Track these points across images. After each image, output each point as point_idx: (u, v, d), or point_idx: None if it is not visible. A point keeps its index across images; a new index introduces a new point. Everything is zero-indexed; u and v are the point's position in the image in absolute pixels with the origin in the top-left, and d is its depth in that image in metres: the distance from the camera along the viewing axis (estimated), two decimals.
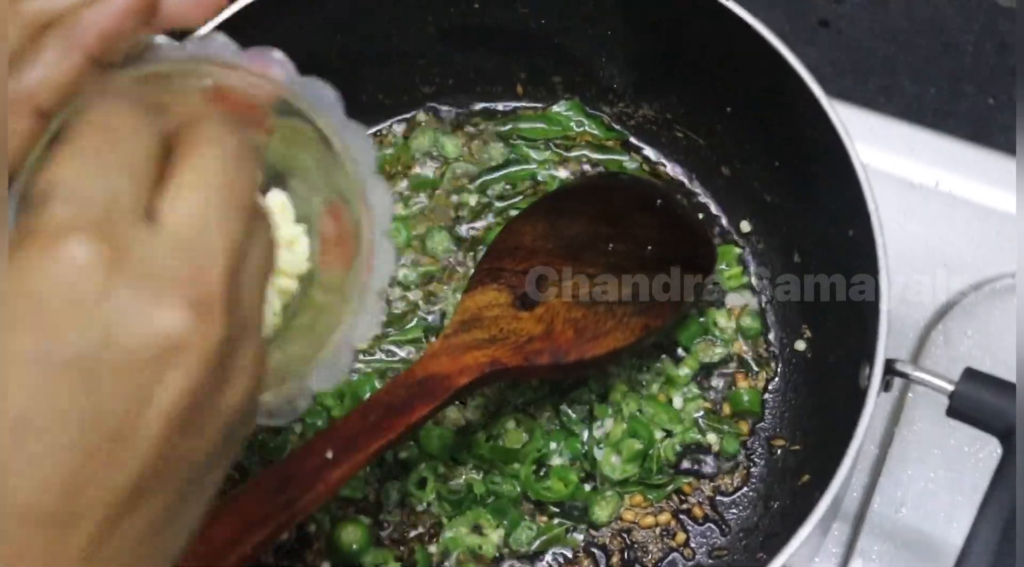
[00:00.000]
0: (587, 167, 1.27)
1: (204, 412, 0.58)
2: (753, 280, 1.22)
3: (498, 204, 1.26)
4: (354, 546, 1.12)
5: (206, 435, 0.59)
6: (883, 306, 1.00)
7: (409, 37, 1.25)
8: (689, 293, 1.15)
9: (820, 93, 1.07)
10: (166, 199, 0.58)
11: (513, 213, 1.24)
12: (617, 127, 1.29)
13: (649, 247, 1.15)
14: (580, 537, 1.14)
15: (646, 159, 1.28)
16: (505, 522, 1.13)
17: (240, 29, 1.11)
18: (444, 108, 1.30)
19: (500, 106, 1.30)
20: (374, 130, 1.30)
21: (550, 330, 1.08)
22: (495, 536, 1.13)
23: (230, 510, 0.92)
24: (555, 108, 1.29)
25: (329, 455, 0.96)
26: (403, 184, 1.27)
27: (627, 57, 1.24)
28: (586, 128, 1.29)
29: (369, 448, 0.98)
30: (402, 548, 1.13)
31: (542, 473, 1.14)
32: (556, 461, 1.15)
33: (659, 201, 1.20)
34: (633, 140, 1.29)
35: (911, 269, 1.24)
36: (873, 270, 1.01)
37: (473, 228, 1.25)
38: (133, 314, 0.54)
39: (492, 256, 1.13)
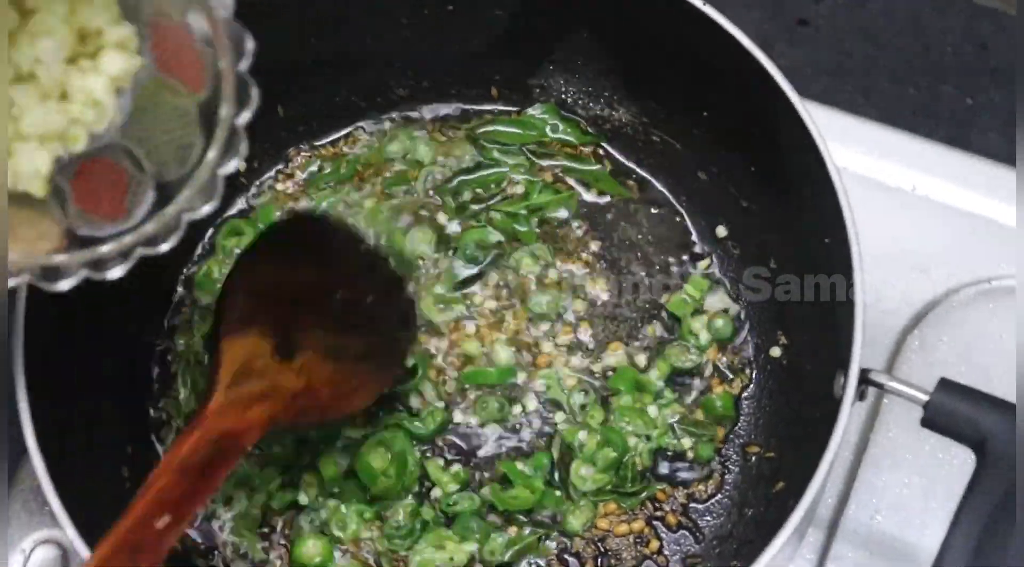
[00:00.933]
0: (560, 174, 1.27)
1: None
2: (728, 286, 1.22)
3: (473, 207, 1.25)
4: (316, 559, 1.12)
5: None
6: (858, 316, 0.99)
7: (383, 40, 1.24)
8: (404, 352, 1.17)
9: (795, 97, 1.06)
10: None
11: (494, 215, 1.24)
12: (592, 131, 1.28)
13: (367, 298, 1.14)
14: (553, 545, 1.13)
15: (619, 166, 1.27)
16: (475, 536, 1.12)
17: None
18: (415, 114, 1.29)
19: (475, 108, 1.29)
20: (347, 131, 1.29)
21: (311, 386, 1.07)
22: (466, 548, 1.12)
23: None
24: (530, 111, 1.28)
25: (164, 522, 0.93)
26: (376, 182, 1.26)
27: (603, 61, 1.23)
28: (560, 133, 1.28)
29: (194, 510, 0.99)
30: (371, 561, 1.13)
31: (507, 483, 1.15)
32: (521, 468, 1.15)
33: (361, 249, 1.16)
34: (607, 146, 1.28)
35: (887, 274, 1.23)
36: (848, 276, 1.01)
37: (453, 227, 1.24)
38: None
39: (243, 295, 1.08)
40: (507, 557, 1.12)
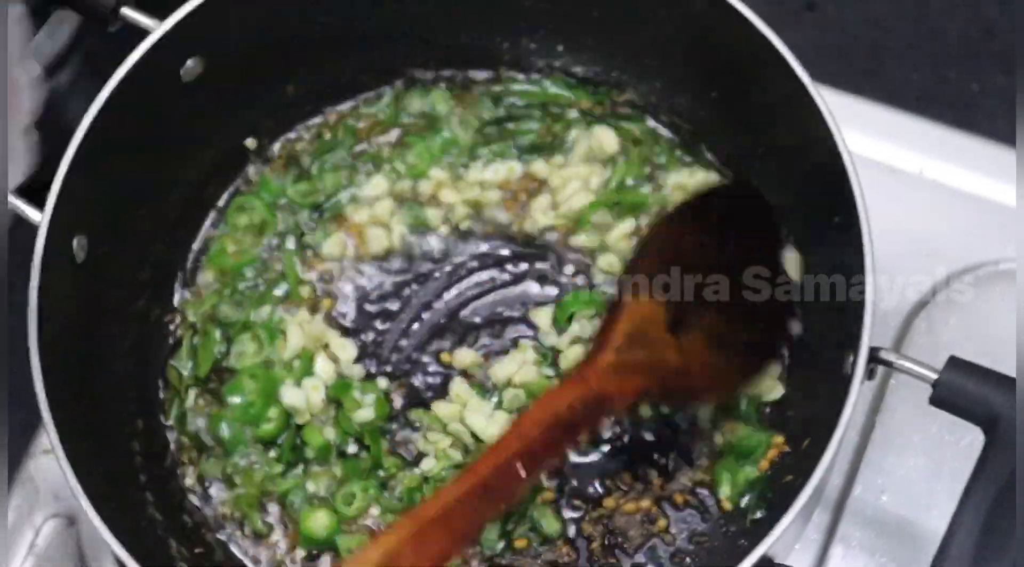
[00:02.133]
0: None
1: None
2: None
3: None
4: (324, 532, 1.12)
5: None
6: (868, 294, 1.00)
7: (393, 16, 1.24)
8: (756, 370, 1.12)
9: (806, 78, 1.06)
10: None
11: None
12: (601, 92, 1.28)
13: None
14: (558, 527, 1.13)
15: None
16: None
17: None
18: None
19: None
20: (354, 104, 1.29)
21: (687, 368, 1.05)
22: None
23: (441, 524, 0.91)
24: (545, 83, 1.28)
25: (521, 472, 0.94)
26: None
27: (612, 40, 1.23)
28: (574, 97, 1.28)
29: (550, 462, 1.00)
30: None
31: None
32: None
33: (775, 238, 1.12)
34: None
35: (894, 256, 1.22)
36: (859, 257, 1.01)
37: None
38: None
39: (653, 259, 1.07)
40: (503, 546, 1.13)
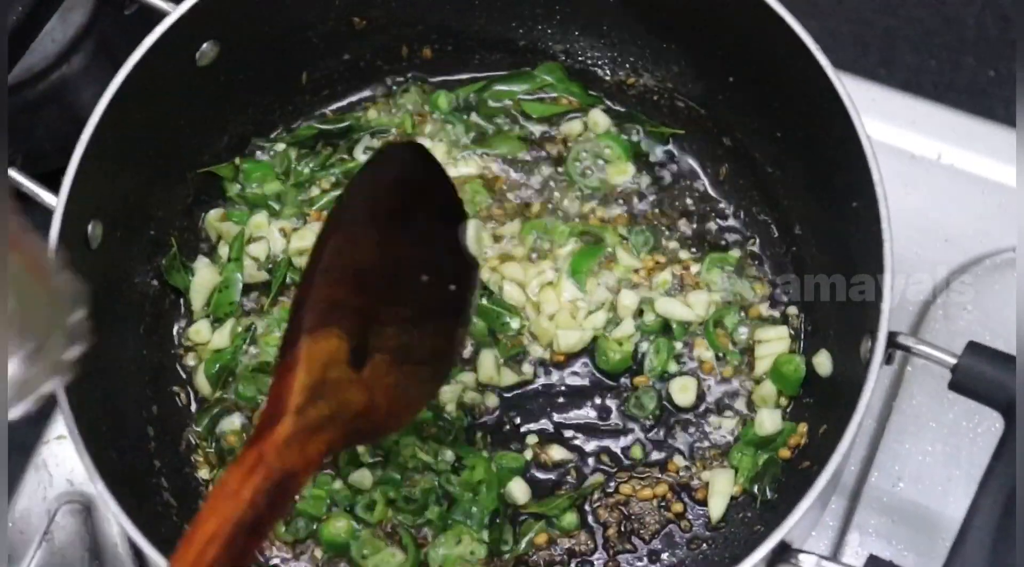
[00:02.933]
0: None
1: None
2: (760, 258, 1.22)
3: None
4: (342, 536, 1.12)
5: None
6: (887, 278, 0.99)
7: (407, 2, 1.24)
8: (455, 351, 1.08)
9: (827, 63, 1.06)
10: None
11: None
12: (594, 93, 1.28)
13: (444, 275, 1.04)
14: (576, 519, 1.13)
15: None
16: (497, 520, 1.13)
17: None
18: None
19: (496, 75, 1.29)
20: (367, 94, 1.29)
21: (372, 401, 0.94)
22: (487, 534, 1.12)
23: None
24: (536, 71, 1.28)
25: None
26: None
27: (629, 26, 1.23)
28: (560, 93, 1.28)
29: (250, 555, 0.84)
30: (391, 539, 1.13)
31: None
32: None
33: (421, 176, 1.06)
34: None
35: (912, 242, 1.23)
36: (877, 241, 1.01)
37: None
38: None
39: (330, 278, 0.95)
40: (523, 545, 1.13)
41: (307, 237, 1.21)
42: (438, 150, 1.25)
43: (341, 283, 0.95)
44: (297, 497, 0.94)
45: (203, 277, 1.21)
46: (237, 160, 1.25)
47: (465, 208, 1.11)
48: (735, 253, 1.21)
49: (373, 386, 0.94)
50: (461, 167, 1.24)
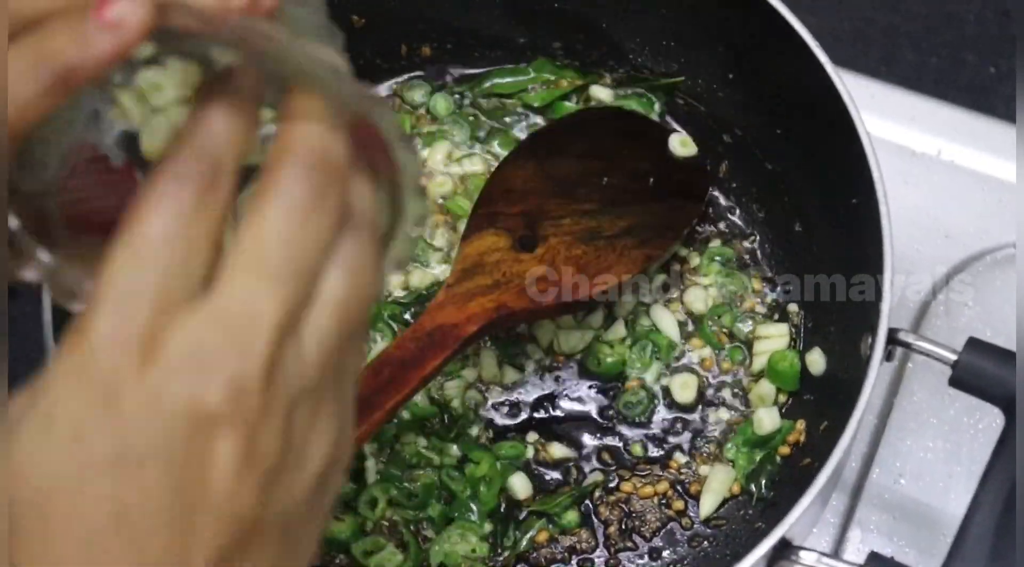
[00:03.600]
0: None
1: (282, 471, 0.58)
2: (759, 254, 1.22)
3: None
4: (343, 535, 1.12)
5: (294, 491, 0.59)
6: (887, 275, 0.99)
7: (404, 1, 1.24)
8: (688, 220, 1.17)
9: (826, 60, 1.06)
10: (222, 272, 0.57)
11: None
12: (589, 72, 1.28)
13: (645, 178, 1.16)
14: (576, 517, 1.13)
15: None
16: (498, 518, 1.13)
17: None
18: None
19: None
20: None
21: (553, 269, 1.09)
22: (488, 531, 1.12)
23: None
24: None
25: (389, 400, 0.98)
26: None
27: (629, 22, 1.23)
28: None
29: (386, 405, 0.99)
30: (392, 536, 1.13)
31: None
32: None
33: (649, 132, 1.21)
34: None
35: (912, 239, 1.23)
36: (877, 239, 1.01)
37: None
38: (167, 397, 0.55)
39: (485, 201, 1.13)
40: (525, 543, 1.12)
41: None
42: (440, 150, 1.25)
43: (498, 200, 1.12)
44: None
45: None
46: None
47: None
48: (734, 248, 1.21)
49: (553, 259, 1.10)
50: (467, 165, 1.24)
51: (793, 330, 1.17)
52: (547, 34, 1.26)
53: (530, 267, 1.09)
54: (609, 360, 1.17)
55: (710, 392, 1.17)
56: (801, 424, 1.13)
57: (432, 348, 1.02)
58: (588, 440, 1.15)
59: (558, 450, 1.15)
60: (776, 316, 1.18)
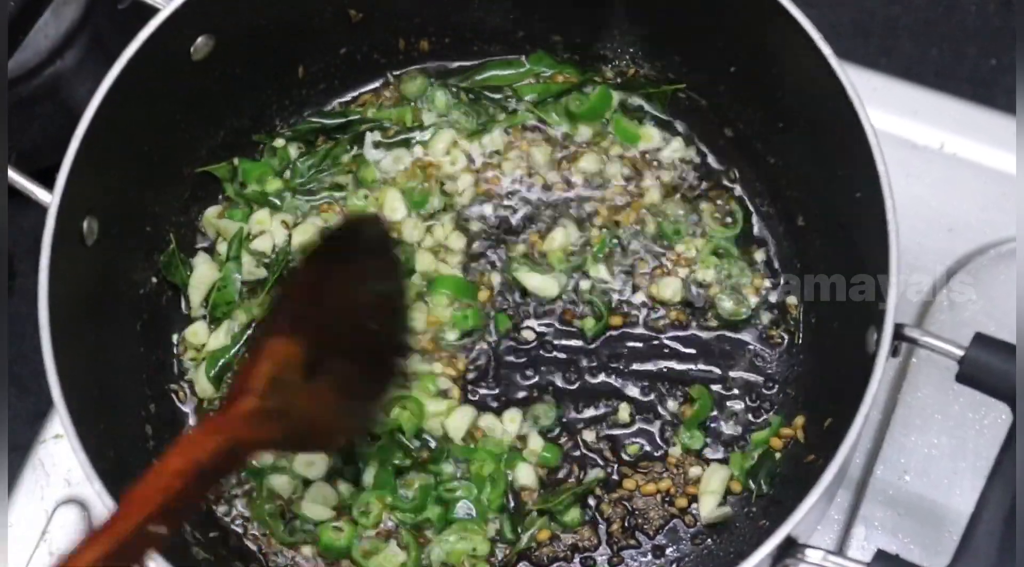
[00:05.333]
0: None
1: None
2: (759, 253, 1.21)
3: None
4: (342, 542, 1.11)
5: None
6: (892, 270, 0.98)
7: None
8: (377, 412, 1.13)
9: (830, 53, 1.05)
10: None
11: None
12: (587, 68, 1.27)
13: (390, 334, 1.10)
14: (578, 515, 1.12)
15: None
16: (500, 516, 1.12)
17: None
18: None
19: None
20: (370, 88, 1.28)
21: (315, 413, 1.02)
22: (490, 529, 1.12)
23: None
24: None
25: (161, 529, 0.87)
26: None
27: (630, 16, 1.22)
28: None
29: (183, 517, 0.97)
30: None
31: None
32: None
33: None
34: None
35: (915, 232, 1.22)
36: (882, 233, 0.99)
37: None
38: None
39: (297, 298, 1.05)
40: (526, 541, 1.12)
41: (309, 231, 1.20)
42: (443, 139, 1.24)
43: (305, 304, 1.04)
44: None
45: (202, 273, 1.20)
46: (235, 160, 1.24)
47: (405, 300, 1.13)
48: (737, 244, 1.20)
49: (318, 400, 1.02)
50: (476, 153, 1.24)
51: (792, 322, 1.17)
52: (546, 28, 1.25)
53: (304, 404, 1.01)
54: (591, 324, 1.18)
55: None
56: (800, 420, 1.12)
57: (233, 460, 0.95)
58: (589, 436, 1.15)
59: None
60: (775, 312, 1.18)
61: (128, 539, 0.84)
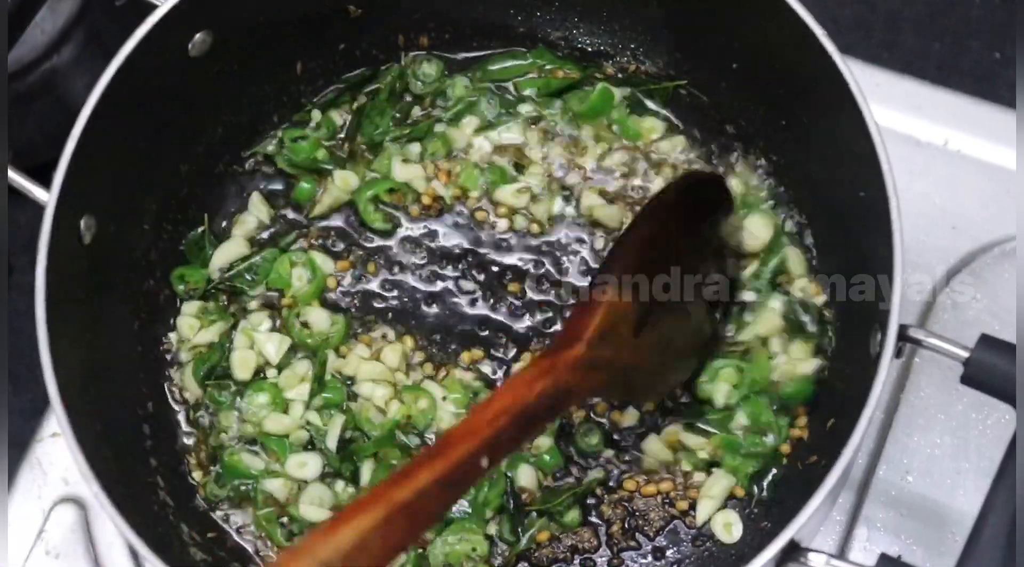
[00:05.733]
0: None
1: None
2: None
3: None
4: None
5: None
6: (897, 270, 0.97)
7: None
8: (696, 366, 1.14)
9: (833, 49, 1.03)
10: None
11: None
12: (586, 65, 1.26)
13: (711, 275, 1.13)
14: (578, 515, 1.11)
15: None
16: (500, 516, 1.12)
17: None
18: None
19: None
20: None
21: (638, 367, 1.05)
22: (490, 530, 1.11)
23: (409, 510, 0.83)
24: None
25: (484, 462, 0.89)
26: None
27: (628, 12, 1.21)
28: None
29: (510, 453, 0.94)
30: None
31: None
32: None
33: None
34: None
35: (918, 230, 1.21)
36: (886, 232, 0.98)
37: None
38: None
39: (631, 257, 1.05)
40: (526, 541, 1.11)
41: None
42: (469, 126, 1.24)
43: (638, 265, 1.04)
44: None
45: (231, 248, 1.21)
46: (280, 132, 1.24)
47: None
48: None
49: (641, 355, 1.04)
50: (504, 135, 1.24)
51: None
52: (547, 24, 1.24)
53: (630, 358, 1.03)
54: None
55: None
56: (802, 420, 1.11)
57: (560, 404, 0.97)
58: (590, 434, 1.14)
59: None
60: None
61: (457, 465, 0.86)
